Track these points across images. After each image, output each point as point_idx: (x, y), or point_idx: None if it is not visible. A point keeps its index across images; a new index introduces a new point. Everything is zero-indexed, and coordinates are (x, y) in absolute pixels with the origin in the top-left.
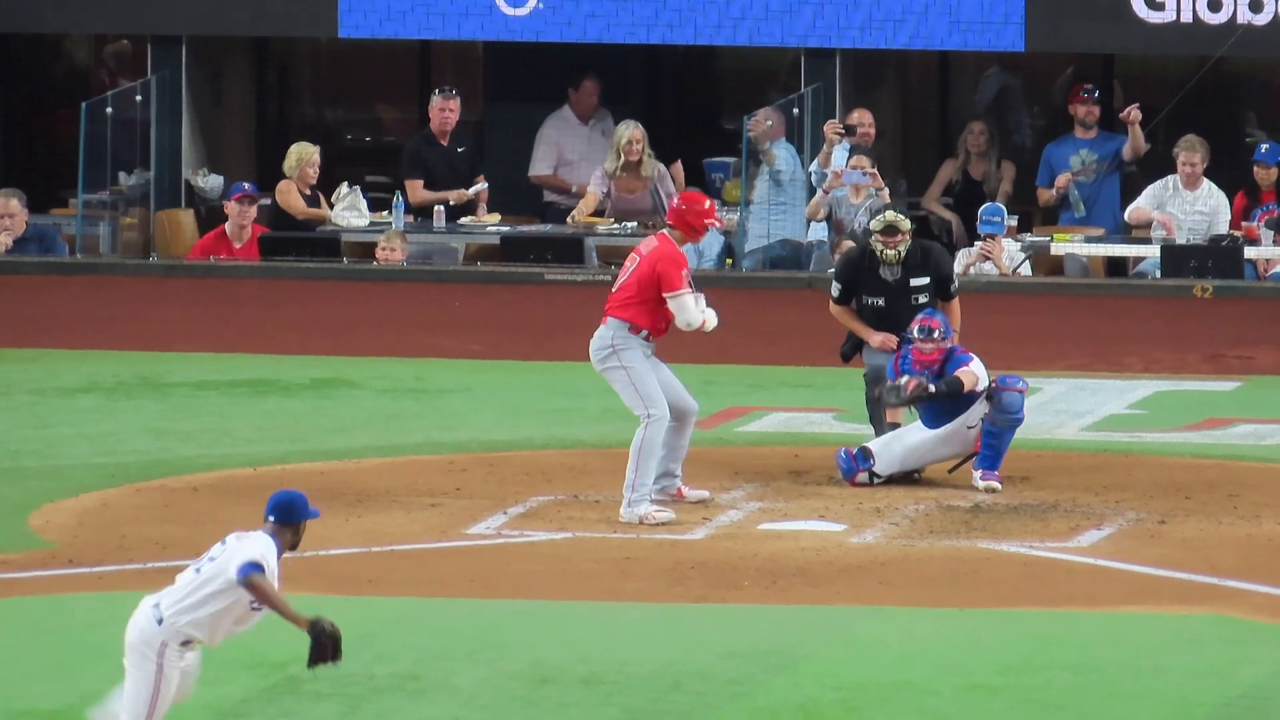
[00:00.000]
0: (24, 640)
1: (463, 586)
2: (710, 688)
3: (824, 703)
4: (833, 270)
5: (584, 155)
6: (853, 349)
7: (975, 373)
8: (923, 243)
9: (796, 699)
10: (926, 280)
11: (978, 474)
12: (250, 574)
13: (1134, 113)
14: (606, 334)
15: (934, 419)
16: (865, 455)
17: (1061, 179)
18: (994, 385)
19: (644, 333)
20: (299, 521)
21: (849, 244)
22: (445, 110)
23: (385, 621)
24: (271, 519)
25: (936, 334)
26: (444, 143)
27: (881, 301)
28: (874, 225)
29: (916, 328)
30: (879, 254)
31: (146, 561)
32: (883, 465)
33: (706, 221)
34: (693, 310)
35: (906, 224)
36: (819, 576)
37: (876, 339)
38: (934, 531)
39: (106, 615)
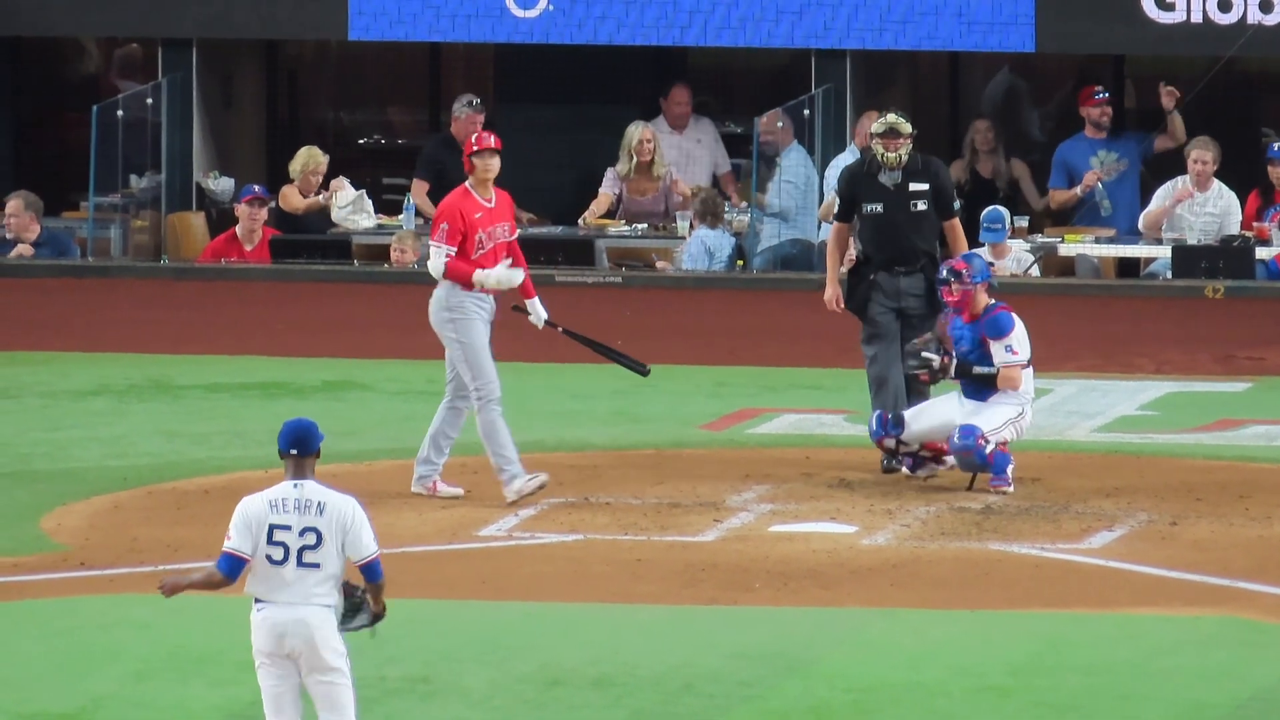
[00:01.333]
0: (35, 642)
1: (473, 588)
2: (721, 690)
3: (835, 704)
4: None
5: (674, 162)
6: (860, 305)
7: (1014, 379)
8: (924, 154)
9: (808, 701)
10: (925, 187)
11: (989, 479)
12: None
13: (1168, 99)
14: (441, 295)
15: (975, 391)
16: (898, 422)
17: (1090, 177)
18: (947, 443)
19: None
20: (319, 448)
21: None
22: (473, 124)
23: (396, 623)
24: (294, 452)
25: (965, 275)
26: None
27: (880, 208)
28: (875, 128)
29: (945, 269)
30: (879, 157)
31: (158, 564)
32: (910, 435)
33: (470, 156)
34: (433, 262)
35: (907, 128)
36: (830, 578)
37: (827, 292)
38: (945, 533)
39: (118, 618)
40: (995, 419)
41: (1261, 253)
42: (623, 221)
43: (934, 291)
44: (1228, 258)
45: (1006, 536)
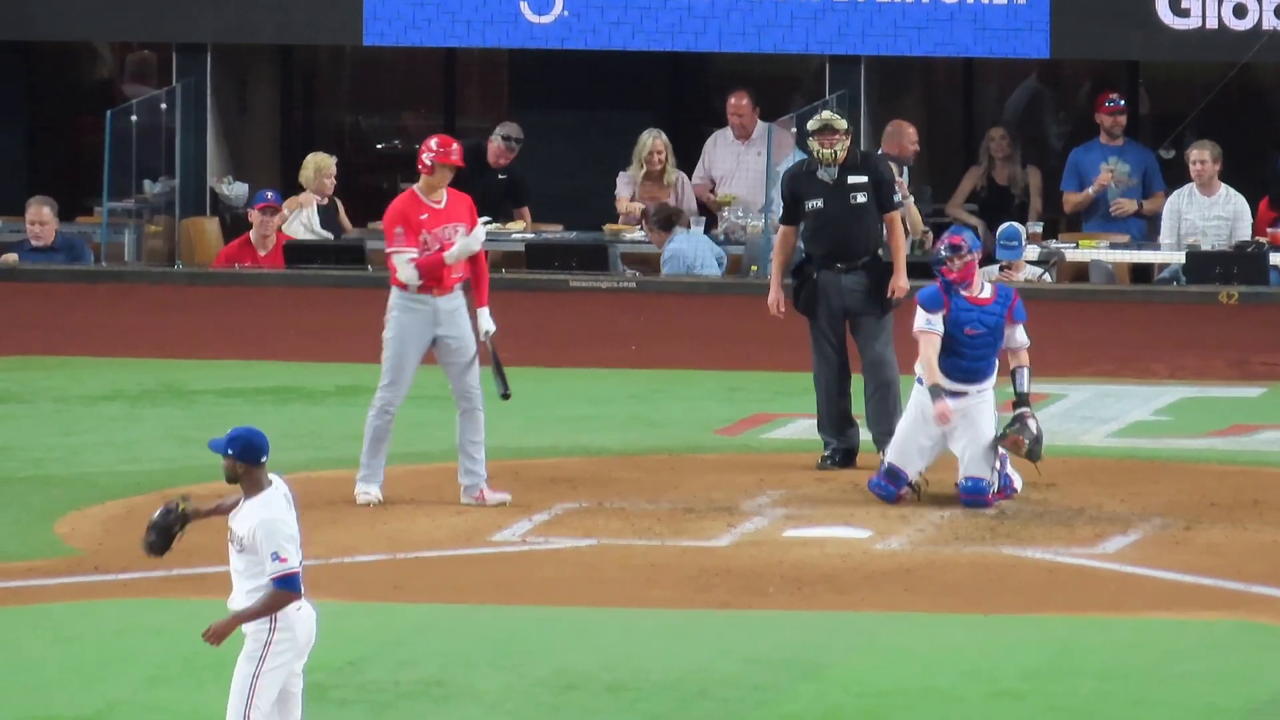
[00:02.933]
0: (49, 647)
1: (487, 593)
2: (735, 695)
3: (849, 709)
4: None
5: (727, 173)
6: (807, 306)
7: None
8: (864, 150)
9: (821, 706)
10: (864, 179)
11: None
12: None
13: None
14: (391, 293)
15: (970, 374)
16: (895, 475)
17: (1104, 176)
18: (962, 499)
19: (412, 287)
20: (264, 460)
21: None
22: (503, 154)
23: (410, 628)
24: (247, 463)
25: (963, 249)
26: (491, 169)
27: (820, 203)
28: (811, 126)
29: (943, 246)
30: (816, 154)
31: (172, 569)
32: (913, 471)
33: (435, 161)
34: (402, 269)
35: (842, 124)
36: (844, 583)
37: (771, 296)
38: (959, 538)
39: (132, 622)
40: (987, 436)
41: (1275, 258)
42: (639, 227)
43: (876, 289)
44: (1242, 263)
45: (1020, 541)
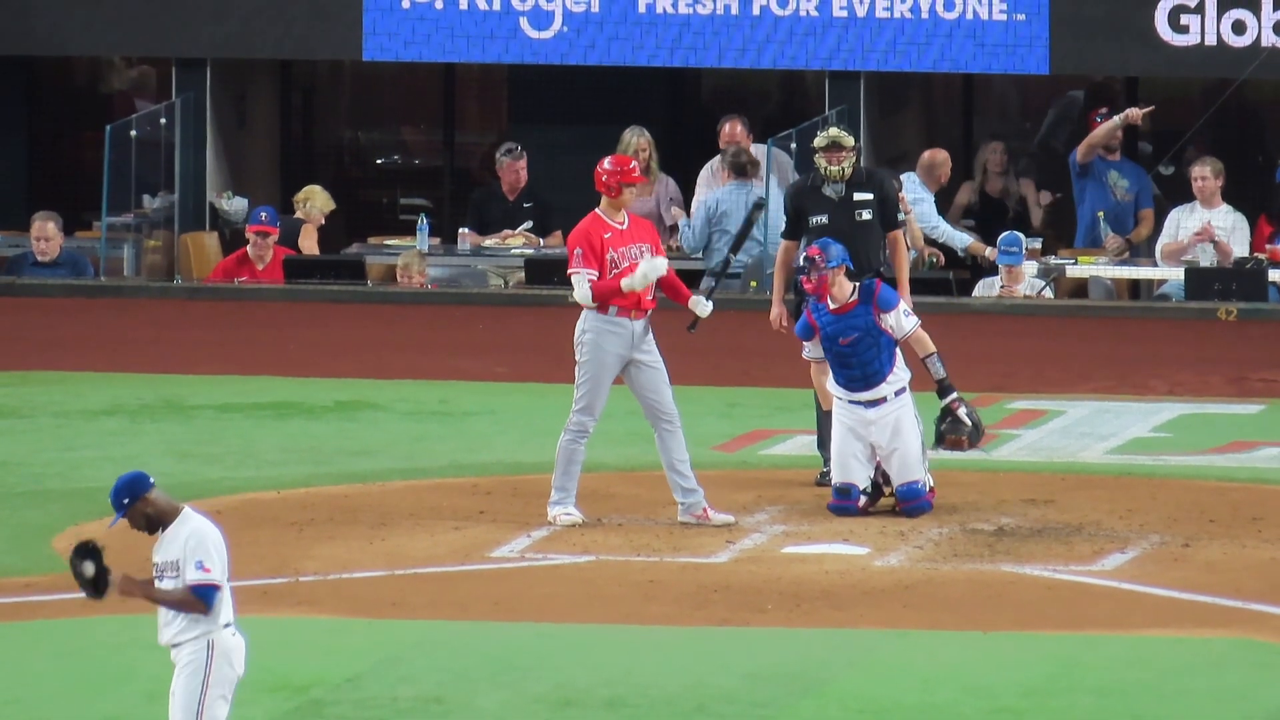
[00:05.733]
0: (48, 662)
1: (486, 609)
2: (734, 711)
3: None
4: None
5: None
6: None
7: (926, 337)
8: (869, 167)
9: None
10: (870, 196)
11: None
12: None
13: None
14: (584, 314)
15: (862, 378)
16: (846, 490)
17: (1112, 241)
18: (898, 507)
19: (611, 310)
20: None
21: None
22: (513, 171)
23: (408, 644)
24: (144, 495)
25: (819, 260)
26: (511, 198)
27: (825, 219)
28: (818, 143)
29: (802, 257)
30: (823, 171)
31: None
32: (861, 480)
33: (619, 181)
34: (579, 287)
35: (850, 141)
36: (843, 599)
37: (772, 311)
38: (957, 555)
39: (130, 638)
40: (913, 441)
41: (1274, 275)
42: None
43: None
44: (1240, 280)
45: (1019, 558)
